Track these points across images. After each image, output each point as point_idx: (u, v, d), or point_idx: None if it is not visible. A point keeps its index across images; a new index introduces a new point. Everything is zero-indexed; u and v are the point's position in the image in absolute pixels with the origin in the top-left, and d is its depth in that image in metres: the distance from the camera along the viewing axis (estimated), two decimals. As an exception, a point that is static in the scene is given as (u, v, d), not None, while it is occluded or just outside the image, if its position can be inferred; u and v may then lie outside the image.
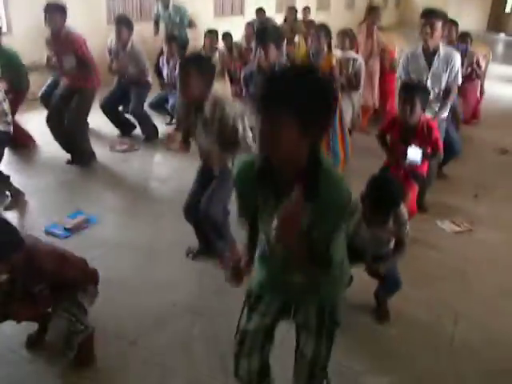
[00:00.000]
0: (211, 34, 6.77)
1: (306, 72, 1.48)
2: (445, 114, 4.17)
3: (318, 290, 1.79)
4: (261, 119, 1.45)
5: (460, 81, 4.15)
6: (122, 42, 5.59)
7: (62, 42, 4.64)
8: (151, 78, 5.97)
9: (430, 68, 4.04)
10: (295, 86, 1.41)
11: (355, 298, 2.96)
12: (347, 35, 5.64)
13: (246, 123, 3.09)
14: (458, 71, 4.08)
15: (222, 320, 2.82)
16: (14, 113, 4.44)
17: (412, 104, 3.42)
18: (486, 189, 4.88)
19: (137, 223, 3.97)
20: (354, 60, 5.40)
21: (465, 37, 6.19)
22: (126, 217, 4.10)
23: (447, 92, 4.12)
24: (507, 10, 23.28)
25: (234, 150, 3.07)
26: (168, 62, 6.25)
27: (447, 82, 4.08)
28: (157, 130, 6.00)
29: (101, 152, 5.28)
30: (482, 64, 6.62)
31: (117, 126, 5.99)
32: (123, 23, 5.56)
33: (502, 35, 21.57)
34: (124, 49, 5.61)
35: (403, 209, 2.76)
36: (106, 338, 2.66)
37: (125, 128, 6.01)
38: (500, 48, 17.76)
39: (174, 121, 6.37)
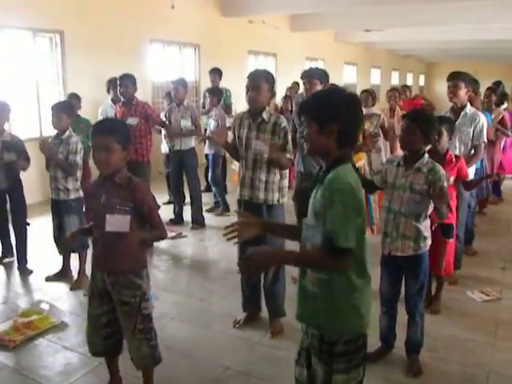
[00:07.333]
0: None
1: (324, 92, 2.48)
2: (471, 169, 4.39)
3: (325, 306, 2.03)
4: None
5: (485, 139, 4.47)
6: (178, 99, 6.35)
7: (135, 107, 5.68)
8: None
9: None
10: (314, 101, 2.11)
11: (393, 355, 3.29)
12: (370, 94, 6.35)
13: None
14: (482, 129, 4.41)
15: (273, 381, 3.14)
16: None
17: (439, 133, 3.69)
18: (513, 261, 5.18)
19: (190, 300, 4.41)
20: (376, 115, 6.04)
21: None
22: (181, 295, 4.53)
23: (475, 149, 4.47)
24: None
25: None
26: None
27: (472, 139, 4.43)
28: (203, 219, 6.56)
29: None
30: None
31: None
32: (180, 83, 6.36)
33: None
34: (180, 106, 6.36)
35: (438, 165, 3.13)
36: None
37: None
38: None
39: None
